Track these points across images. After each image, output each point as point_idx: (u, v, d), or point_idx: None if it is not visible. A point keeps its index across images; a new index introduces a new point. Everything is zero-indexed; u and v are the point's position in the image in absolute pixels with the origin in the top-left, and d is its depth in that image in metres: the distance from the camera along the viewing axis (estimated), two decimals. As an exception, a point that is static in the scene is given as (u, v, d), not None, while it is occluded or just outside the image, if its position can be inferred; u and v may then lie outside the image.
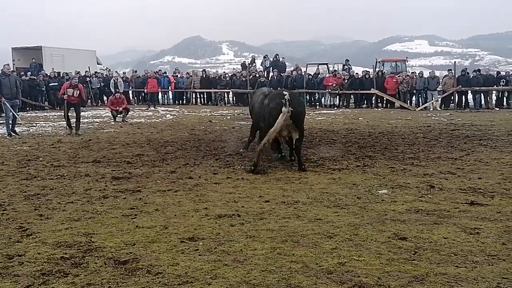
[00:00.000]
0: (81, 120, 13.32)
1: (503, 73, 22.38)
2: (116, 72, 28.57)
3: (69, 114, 12.83)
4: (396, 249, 3.98)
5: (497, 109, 20.13)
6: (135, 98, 26.50)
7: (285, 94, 7.34)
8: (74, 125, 12.81)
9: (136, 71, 27.69)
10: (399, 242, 4.13)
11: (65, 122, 13.24)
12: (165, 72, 27.42)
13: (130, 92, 26.19)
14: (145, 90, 24.07)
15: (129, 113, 17.35)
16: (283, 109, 7.17)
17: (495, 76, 21.28)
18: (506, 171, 7.08)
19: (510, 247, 3.95)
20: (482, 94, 20.98)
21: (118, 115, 16.57)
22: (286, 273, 3.52)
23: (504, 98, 21.04)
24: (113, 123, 15.86)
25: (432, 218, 4.83)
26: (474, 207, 5.21)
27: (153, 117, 18.13)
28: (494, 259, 3.71)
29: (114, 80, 22.90)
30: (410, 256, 3.81)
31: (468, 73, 21.20)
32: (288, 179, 6.86)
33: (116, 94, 17.33)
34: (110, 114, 16.95)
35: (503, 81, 20.33)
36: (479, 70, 21.75)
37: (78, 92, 12.77)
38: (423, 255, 3.83)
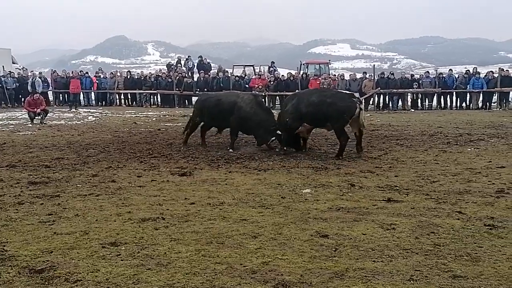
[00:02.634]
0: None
1: (417, 76, 23.76)
2: (33, 72, 27.14)
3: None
4: (318, 246, 4.10)
5: (413, 110, 21.34)
6: (56, 99, 25.33)
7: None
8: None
9: (55, 71, 26.41)
10: (321, 240, 4.26)
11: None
12: (87, 72, 26.43)
13: (50, 92, 25.02)
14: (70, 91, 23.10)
15: (48, 114, 16.56)
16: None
17: (409, 79, 22.58)
18: (420, 169, 7.50)
19: (423, 241, 4.20)
20: (398, 96, 22.21)
21: (36, 117, 15.76)
22: (211, 275, 3.51)
23: (419, 100, 22.36)
24: (30, 125, 15.07)
25: (352, 215, 5.02)
26: (390, 203, 5.47)
27: (74, 119, 17.42)
28: (408, 253, 3.92)
29: (32, 80, 21.76)
30: (331, 253, 3.94)
31: (389, 76, 22.30)
32: (214, 180, 6.85)
33: (34, 95, 16.46)
34: (27, 116, 16.08)
35: (416, 84, 21.68)
36: (393, 74, 23.01)
37: None
38: (343, 251, 3.97)
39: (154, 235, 4.42)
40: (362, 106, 8.80)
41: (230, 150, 9.59)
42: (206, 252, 3.96)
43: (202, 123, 10.55)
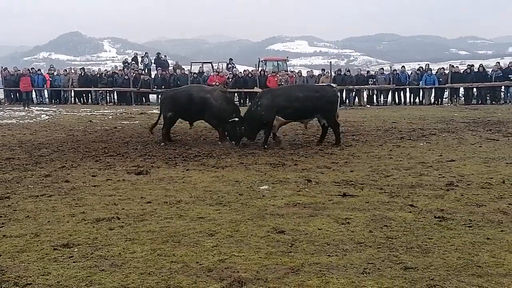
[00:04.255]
0: None
1: (372, 73, 24.29)
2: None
3: None
4: (275, 242, 4.13)
5: (368, 106, 21.81)
6: (7, 97, 24.41)
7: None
8: None
9: (5, 68, 25.45)
10: (277, 236, 4.29)
11: None
12: (39, 70, 25.61)
13: (1, 90, 24.13)
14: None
15: (-2, 113, 15.97)
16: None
17: (365, 76, 23.05)
18: (375, 164, 7.67)
19: (376, 234, 4.30)
20: (355, 92, 22.66)
21: (-15, 116, 15.17)
22: (166, 274, 3.48)
23: (374, 96, 22.88)
24: (-22, 124, 14.48)
25: (308, 210, 5.08)
26: (346, 198, 5.57)
27: (26, 117, 16.83)
28: (362, 246, 4.00)
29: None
30: (287, 249, 3.97)
31: (345, 73, 22.73)
32: (171, 178, 6.79)
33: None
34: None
35: (372, 81, 22.18)
36: (349, 71, 23.47)
37: None
38: (299, 246, 4.02)
39: (109, 236, 4.34)
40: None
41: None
42: (162, 252, 3.92)
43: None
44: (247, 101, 22.78)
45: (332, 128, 9.75)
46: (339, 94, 9.82)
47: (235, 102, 11.62)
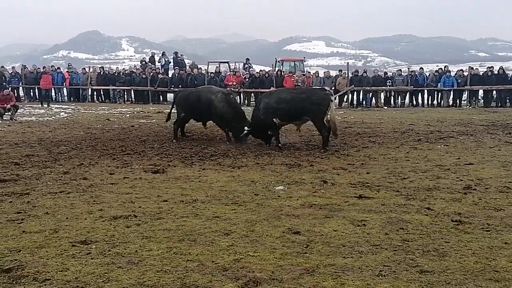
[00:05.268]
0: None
1: (390, 74, 24.08)
2: (3, 66, 26.51)
3: None
4: (290, 243, 4.13)
5: (386, 107, 21.65)
6: (26, 95, 24.79)
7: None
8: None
9: (26, 66, 25.82)
10: (292, 237, 4.29)
11: None
12: (59, 68, 25.93)
13: (21, 88, 24.51)
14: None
15: (19, 110, 16.22)
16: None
17: (382, 77, 22.88)
18: (391, 166, 7.62)
19: (392, 237, 4.28)
20: (372, 94, 22.51)
21: (6, 113, 15.41)
22: (182, 273, 3.51)
23: (392, 97, 22.71)
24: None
25: (324, 212, 5.07)
26: (362, 200, 5.55)
27: (46, 115, 17.08)
28: (377, 249, 3.99)
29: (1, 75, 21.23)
30: (303, 249, 3.98)
31: (362, 74, 22.58)
32: (188, 177, 6.83)
33: (4, 91, 16.09)
34: (-4, 112, 15.70)
35: (389, 82, 22.01)
36: (366, 71, 23.31)
37: None
38: (314, 248, 4.02)
39: (126, 233, 4.39)
40: (333, 99, 9.70)
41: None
42: (178, 250, 3.95)
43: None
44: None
45: (319, 131, 9.57)
46: (332, 98, 9.63)
47: (237, 105, 11.70)
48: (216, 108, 10.24)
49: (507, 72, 21.99)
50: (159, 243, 4.12)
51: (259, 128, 9.89)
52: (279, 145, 9.58)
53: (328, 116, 9.18)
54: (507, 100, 21.54)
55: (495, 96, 21.99)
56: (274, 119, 9.59)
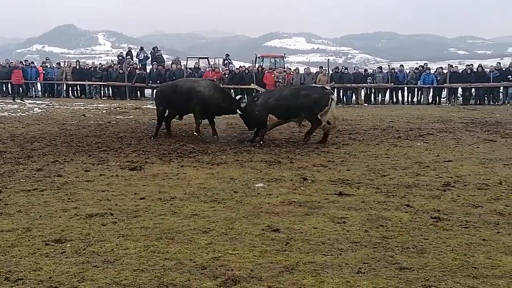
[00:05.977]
0: None
1: (370, 71, 24.24)
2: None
3: None
4: (269, 241, 4.08)
5: (366, 104, 21.78)
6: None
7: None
8: None
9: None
10: (272, 234, 4.25)
11: None
12: (32, 62, 25.36)
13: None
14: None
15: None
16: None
17: (363, 74, 23.02)
18: (371, 163, 7.63)
19: (371, 234, 4.26)
20: (352, 91, 22.65)
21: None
22: (159, 271, 3.43)
23: (372, 94, 22.85)
24: (-29, 117, 14.34)
25: (304, 209, 5.04)
26: (342, 197, 5.53)
27: (19, 110, 16.65)
28: (357, 246, 3.97)
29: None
30: (282, 247, 3.93)
31: (343, 71, 22.71)
32: (166, 175, 6.72)
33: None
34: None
35: (370, 79, 22.16)
36: (346, 68, 23.42)
37: None
38: (294, 245, 3.98)
39: (101, 231, 4.29)
40: (334, 97, 9.90)
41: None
42: (155, 248, 3.88)
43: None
44: (244, 97, 22.74)
45: (314, 127, 9.78)
46: (332, 96, 9.71)
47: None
48: (199, 93, 10.01)
49: (485, 70, 22.27)
50: (136, 242, 4.03)
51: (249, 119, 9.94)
52: (261, 142, 9.50)
53: (332, 113, 9.48)
54: (486, 98, 21.82)
55: (474, 93, 22.27)
56: (269, 117, 9.60)
